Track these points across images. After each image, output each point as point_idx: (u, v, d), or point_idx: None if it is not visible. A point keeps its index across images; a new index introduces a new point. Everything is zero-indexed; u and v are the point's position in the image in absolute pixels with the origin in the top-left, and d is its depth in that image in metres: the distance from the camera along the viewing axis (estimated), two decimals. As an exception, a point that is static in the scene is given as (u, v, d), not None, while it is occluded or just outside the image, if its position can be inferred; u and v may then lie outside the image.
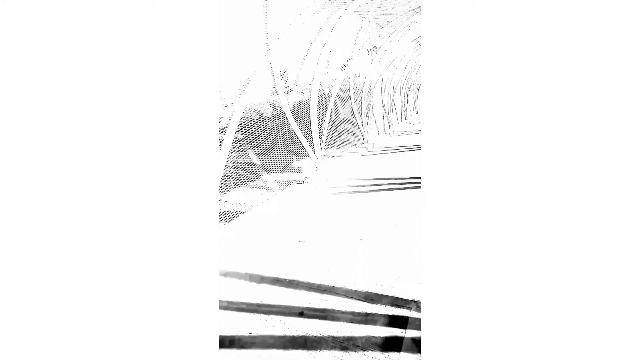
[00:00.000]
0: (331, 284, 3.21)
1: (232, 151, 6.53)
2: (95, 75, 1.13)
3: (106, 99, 1.15)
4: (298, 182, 7.21)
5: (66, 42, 1.07)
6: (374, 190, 6.39)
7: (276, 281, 3.40)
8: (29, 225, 0.99)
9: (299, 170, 8.02)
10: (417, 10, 9.38)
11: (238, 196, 7.16)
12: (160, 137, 1.27)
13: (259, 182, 7.77)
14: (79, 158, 1.09)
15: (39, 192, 1.01)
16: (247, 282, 3.45)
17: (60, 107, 1.06)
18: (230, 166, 7.09)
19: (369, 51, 11.36)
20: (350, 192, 6.43)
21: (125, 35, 1.18)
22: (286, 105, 6.15)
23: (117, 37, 1.17)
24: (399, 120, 18.82)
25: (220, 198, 7.57)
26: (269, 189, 7.07)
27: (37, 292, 1.00)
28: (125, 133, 1.19)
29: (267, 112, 6.81)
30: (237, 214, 5.93)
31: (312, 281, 3.31)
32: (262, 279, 3.47)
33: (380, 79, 13.75)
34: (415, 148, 11.05)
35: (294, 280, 3.35)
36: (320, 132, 8.34)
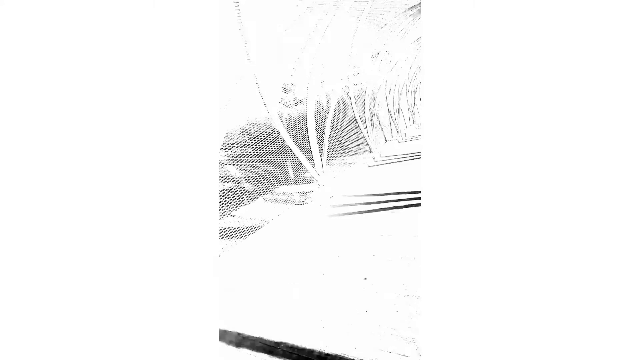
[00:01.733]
0: (325, 350, 2.50)
1: (246, 165, 6.09)
2: (95, 78, 1.09)
3: (102, 104, 1.11)
4: (298, 203, 6.56)
5: (66, 42, 1.05)
6: (381, 208, 5.67)
7: (258, 346, 2.72)
8: (18, 233, 0.97)
9: (301, 185, 7.39)
10: (418, 7, 8.74)
11: (252, 211, 6.60)
12: (157, 150, 1.21)
13: (271, 197, 7.17)
14: (71, 164, 1.05)
15: (31, 201, 0.99)
16: (224, 345, 2.80)
17: (59, 109, 1.03)
18: (244, 181, 6.61)
19: (372, 57, 10.76)
20: (354, 213, 5.72)
21: (125, 37, 1.14)
22: (278, 120, 5.56)
23: (117, 38, 1.12)
24: (407, 125, 18.04)
25: (232, 214, 7.06)
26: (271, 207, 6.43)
27: (29, 302, 0.99)
28: (120, 140, 1.13)
29: (277, 125, 6.24)
30: (250, 230, 5.37)
31: (302, 344, 2.62)
32: (241, 341, 2.80)
33: (384, 83, 13.08)
34: (426, 154, 10.26)
35: (281, 344, 2.67)
36: (321, 146, 7.70)
